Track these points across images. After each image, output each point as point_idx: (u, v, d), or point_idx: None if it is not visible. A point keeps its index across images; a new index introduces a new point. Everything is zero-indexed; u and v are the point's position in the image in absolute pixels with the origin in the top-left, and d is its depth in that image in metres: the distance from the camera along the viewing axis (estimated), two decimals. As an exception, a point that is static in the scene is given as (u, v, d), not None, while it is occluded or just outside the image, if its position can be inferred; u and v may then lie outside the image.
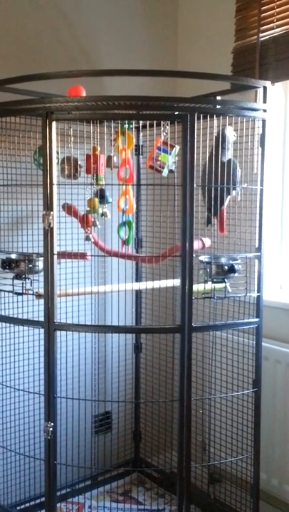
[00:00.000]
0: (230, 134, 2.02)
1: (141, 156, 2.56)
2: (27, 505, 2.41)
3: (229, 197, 2.04)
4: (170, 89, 2.79)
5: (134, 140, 2.39)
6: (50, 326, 1.91)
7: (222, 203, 2.02)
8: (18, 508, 2.39)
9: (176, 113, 1.85)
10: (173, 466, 2.35)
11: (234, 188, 2.01)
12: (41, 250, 1.92)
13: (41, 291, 1.93)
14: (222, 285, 2.01)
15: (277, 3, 2.31)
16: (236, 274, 2.01)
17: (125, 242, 2.18)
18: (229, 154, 2.03)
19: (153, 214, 2.31)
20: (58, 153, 1.93)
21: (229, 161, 2.00)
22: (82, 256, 2.13)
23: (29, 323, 2.09)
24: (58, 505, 2.37)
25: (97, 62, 2.57)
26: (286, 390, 2.26)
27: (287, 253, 2.52)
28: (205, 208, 2.04)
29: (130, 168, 2.13)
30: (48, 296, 1.90)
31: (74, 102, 1.83)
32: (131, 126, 2.18)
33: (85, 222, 2.11)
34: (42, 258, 1.94)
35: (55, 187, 1.86)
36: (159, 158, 1.99)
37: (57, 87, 2.08)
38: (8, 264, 2.05)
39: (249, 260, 2.08)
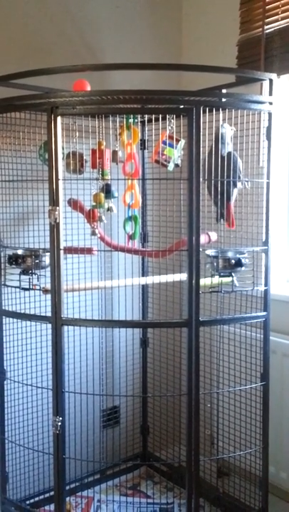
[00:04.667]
0: (228, 129, 2.01)
1: (146, 151, 2.56)
2: (36, 499, 2.43)
3: (236, 190, 2.03)
4: (175, 82, 2.77)
5: (139, 134, 2.38)
6: (57, 321, 1.92)
7: (228, 198, 2.01)
8: (27, 502, 2.40)
9: (182, 107, 1.84)
10: (181, 460, 2.35)
11: (239, 181, 2.00)
12: (47, 246, 1.92)
13: (48, 286, 1.94)
14: (229, 279, 2.01)
15: (282, -6, 2.29)
16: (243, 268, 2.00)
17: (131, 237, 2.18)
18: (229, 149, 2.01)
19: (159, 208, 2.31)
20: (63, 148, 1.93)
21: (229, 154, 1.98)
22: (89, 251, 2.13)
23: (36, 319, 2.09)
24: (67, 499, 2.38)
25: (102, 56, 2.57)
26: (294, 384, 2.26)
27: (294, 246, 2.51)
28: (212, 203, 2.03)
29: (135, 163, 2.13)
30: (55, 292, 1.91)
31: (79, 96, 1.83)
32: (136, 120, 2.17)
33: (91, 217, 2.11)
34: (48, 253, 1.94)
35: (60, 182, 1.86)
36: (165, 153, 1.98)
37: (61, 81, 2.08)
38: (14, 260, 2.05)
39: (256, 254, 2.07)
